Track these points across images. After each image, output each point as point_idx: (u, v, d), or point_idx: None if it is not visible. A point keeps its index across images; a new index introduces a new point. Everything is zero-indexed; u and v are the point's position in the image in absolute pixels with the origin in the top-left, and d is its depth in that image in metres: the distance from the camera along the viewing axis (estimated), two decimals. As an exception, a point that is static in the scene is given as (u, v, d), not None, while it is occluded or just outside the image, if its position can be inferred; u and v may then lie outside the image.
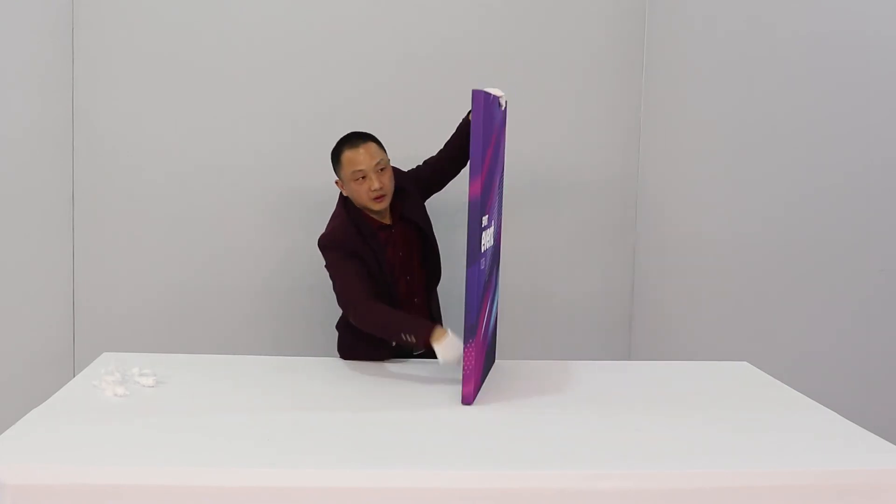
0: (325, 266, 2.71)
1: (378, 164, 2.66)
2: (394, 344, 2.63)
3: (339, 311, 2.87)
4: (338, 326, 2.89)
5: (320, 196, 3.37)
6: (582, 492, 1.85)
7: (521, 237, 3.51)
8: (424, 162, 2.95)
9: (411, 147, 2.97)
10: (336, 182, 2.76)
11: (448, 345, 2.38)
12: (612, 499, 1.85)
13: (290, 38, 3.38)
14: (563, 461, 1.94)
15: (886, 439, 2.10)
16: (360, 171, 2.65)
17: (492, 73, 3.44)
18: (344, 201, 2.77)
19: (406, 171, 2.90)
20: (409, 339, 2.47)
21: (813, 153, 3.43)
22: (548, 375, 2.63)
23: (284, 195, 3.42)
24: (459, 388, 2.35)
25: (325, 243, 2.68)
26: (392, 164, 2.77)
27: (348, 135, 2.75)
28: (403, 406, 2.33)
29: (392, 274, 2.72)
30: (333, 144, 3.35)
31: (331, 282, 2.69)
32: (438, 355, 2.39)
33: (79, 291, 3.39)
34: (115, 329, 3.38)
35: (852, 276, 3.40)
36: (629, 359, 3.61)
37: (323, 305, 3.25)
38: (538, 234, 3.55)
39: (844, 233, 3.40)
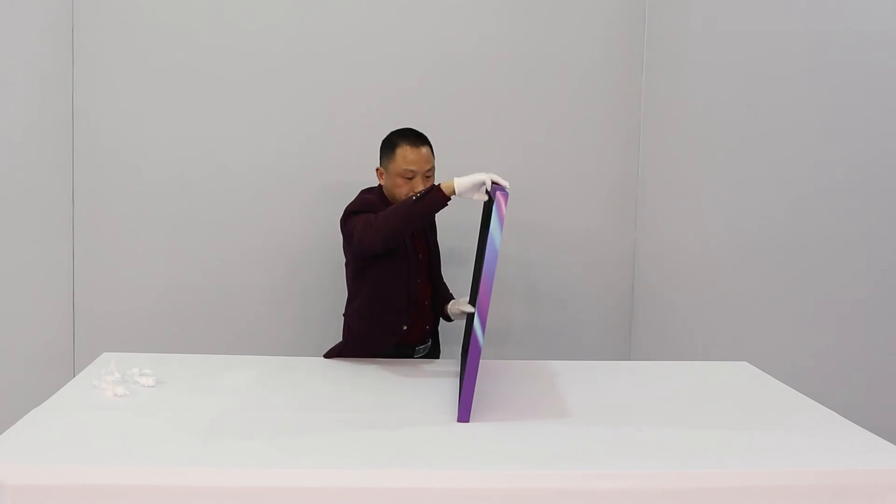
0: (347, 233, 2.67)
1: (429, 170, 2.70)
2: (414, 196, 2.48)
3: (342, 307, 2.87)
4: (346, 314, 2.89)
5: (321, 196, 3.38)
6: (582, 492, 1.85)
7: (521, 237, 3.52)
8: None
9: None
10: (377, 170, 2.78)
11: (465, 180, 2.35)
12: (612, 499, 1.85)
13: (290, 39, 3.38)
14: (563, 461, 1.94)
15: (886, 439, 2.10)
16: (411, 170, 2.67)
17: (492, 74, 3.45)
18: (376, 189, 2.80)
19: None
20: (422, 203, 2.41)
21: (813, 153, 3.43)
22: (548, 375, 2.64)
23: (284, 196, 3.42)
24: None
25: (356, 208, 2.68)
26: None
27: (409, 130, 2.75)
28: (403, 406, 2.33)
29: (409, 272, 2.74)
30: (336, 146, 3.37)
31: (335, 277, 2.69)
32: (465, 183, 2.35)
33: (79, 291, 3.39)
34: (115, 329, 3.38)
35: (852, 276, 3.40)
36: (629, 359, 3.61)
37: (323, 306, 3.25)
38: (538, 233, 3.55)
39: (844, 232, 3.40)
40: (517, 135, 3.49)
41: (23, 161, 3.32)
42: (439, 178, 2.98)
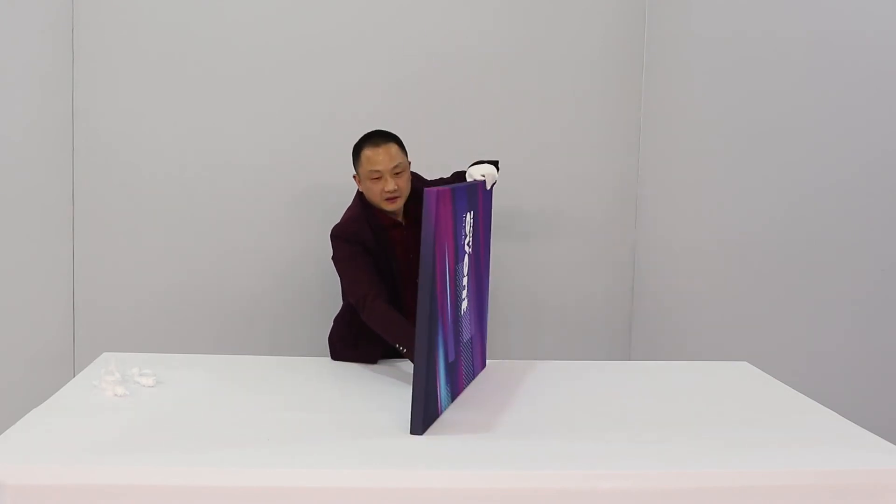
0: (333, 258, 2.67)
1: (396, 167, 2.64)
2: (400, 348, 2.53)
3: (339, 308, 2.87)
4: (336, 319, 2.87)
5: (321, 196, 3.38)
6: (582, 492, 1.85)
7: (521, 237, 3.51)
8: (441, 179, 2.95)
9: (410, 146, 2.97)
10: (353, 177, 2.75)
11: None
12: (612, 499, 1.85)
13: (291, 37, 3.38)
14: (563, 461, 1.94)
15: (886, 439, 2.10)
16: (376, 171, 2.62)
17: (492, 74, 3.45)
18: (360, 195, 2.75)
19: (430, 179, 2.90)
20: (402, 351, 2.45)
21: (813, 153, 3.43)
22: (548, 375, 2.63)
23: (284, 195, 3.42)
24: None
25: (338, 233, 2.66)
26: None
27: (371, 133, 2.72)
28: (402, 406, 2.32)
29: (399, 274, 2.68)
30: (335, 145, 3.36)
31: (337, 275, 2.68)
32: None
33: (79, 291, 3.39)
34: (115, 329, 3.38)
35: (852, 276, 3.40)
36: (629, 359, 3.60)
37: (323, 306, 3.25)
38: (538, 234, 3.55)
39: (844, 233, 3.40)
40: (517, 135, 3.49)
41: (23, 161, 3.32)
42: (438, 173, 2.99)
